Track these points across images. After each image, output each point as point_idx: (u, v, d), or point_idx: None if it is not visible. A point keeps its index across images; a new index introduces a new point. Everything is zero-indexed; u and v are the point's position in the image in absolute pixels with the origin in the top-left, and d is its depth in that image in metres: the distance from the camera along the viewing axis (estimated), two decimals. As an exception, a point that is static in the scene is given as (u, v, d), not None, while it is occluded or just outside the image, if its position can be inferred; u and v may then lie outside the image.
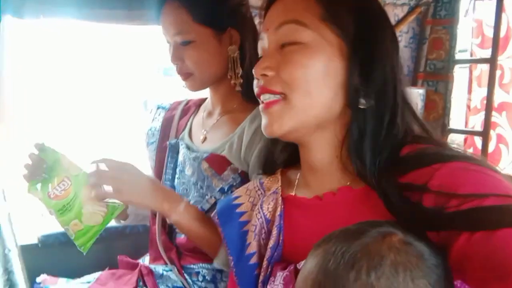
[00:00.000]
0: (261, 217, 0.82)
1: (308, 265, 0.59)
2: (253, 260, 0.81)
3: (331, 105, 0.74)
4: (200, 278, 1.20)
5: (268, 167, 0.93)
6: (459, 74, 2.16)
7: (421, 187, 0.65)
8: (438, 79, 2.10)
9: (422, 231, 0.60)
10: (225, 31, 1.17)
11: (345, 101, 0.75)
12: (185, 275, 1.21)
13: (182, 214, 1.04)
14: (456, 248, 0.60)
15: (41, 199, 1.05)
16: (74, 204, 1.01)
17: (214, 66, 1.17)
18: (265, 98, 0.75)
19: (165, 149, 1.31)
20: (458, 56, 2.12)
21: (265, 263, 0.79)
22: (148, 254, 1.34)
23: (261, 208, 0.83)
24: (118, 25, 1.50)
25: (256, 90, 0.78)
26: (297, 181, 0.86)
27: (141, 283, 1.20)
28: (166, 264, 1.24)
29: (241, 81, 1.16)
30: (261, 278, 0.79)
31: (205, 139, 1.25)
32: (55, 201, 1.02)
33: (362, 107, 0.73)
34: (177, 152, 1.28)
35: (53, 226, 1.46)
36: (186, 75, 1.19)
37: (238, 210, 0.88)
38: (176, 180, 1.27)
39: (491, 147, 2.28)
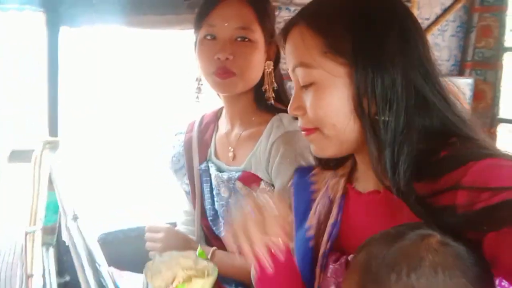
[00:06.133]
0: (325, 196, 0.90)
1: (352, 268, 0.63)
2: (310, 233, 0.89)
3: (352, 127, 0.76)
4: None
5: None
6: (509, 62, 2.10)
7: (452, 187, 0.65)
8: (487, 68, 2.04)
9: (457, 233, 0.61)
10: (271, 43, 1.17)
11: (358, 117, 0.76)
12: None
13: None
14: (487, 242, 0.60)
15: None
16: None
17: (256, 73, 1.16)
18: (303, 129, 0.83)
19: (193, 172, 1.31)
20: (507, 43, 2.06)
21: (325, 237, 0.85)
22: None
23: (327, 189, 0.90)
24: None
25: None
26: (357, 173, 0.89)
27: None
28: None
29: (273, 95, 1.16)
30: (320, 257, 0.84)
31: (234, 156, 1.24)
32: None
33: (377, 117, 0.73)
34: (209, 175, 1.27)
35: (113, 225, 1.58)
36: (229, 74, 1.13)
37: (312, 188, 0.95)
38: (216, 204, 1.26)
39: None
